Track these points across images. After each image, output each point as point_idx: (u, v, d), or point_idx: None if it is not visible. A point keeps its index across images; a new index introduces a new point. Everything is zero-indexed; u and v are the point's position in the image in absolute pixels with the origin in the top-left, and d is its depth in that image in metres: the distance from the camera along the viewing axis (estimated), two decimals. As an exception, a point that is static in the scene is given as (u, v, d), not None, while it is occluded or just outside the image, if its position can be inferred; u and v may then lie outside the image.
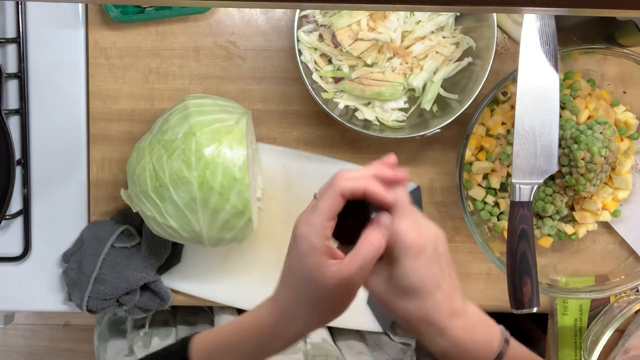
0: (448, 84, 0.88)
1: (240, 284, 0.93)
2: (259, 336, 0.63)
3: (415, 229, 0.58)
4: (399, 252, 0.58)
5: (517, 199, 0.79)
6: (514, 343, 0.63)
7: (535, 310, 0.78)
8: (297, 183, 0.93)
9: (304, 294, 0.60)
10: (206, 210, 0.78)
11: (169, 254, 0.92)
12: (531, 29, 0.78)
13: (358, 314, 0.93)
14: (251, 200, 0.81)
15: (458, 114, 0.83)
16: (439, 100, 0.88)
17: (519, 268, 0.77)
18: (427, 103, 0.87)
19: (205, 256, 0.93)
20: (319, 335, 0.94)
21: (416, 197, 0.93)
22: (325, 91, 0.87)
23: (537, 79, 0.79)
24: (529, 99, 0.79)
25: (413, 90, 0.88)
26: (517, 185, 0.80)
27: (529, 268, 0.77)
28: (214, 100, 0.83)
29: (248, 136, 0.82)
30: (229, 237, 0.82)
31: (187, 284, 0.93)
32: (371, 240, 0.58)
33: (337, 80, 0.88)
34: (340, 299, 0.60)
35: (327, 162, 0.92)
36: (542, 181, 0.80)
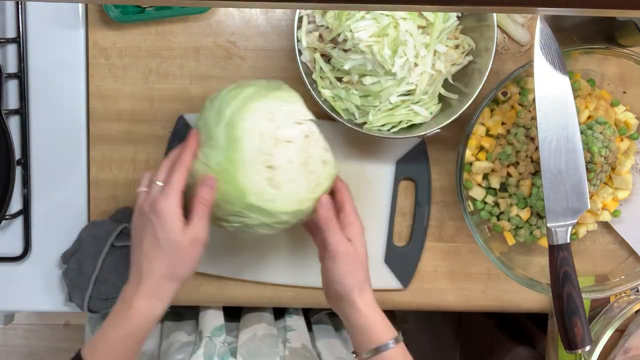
0: (448, 83, 0.88)
1: (253, 257, 0.94)
2: (133, 323, 0.74)
3: (342, 242, 0.77)
4: (329, 257, 0.77)
5: (555, 243, 0.79)
6: (402, 346, 0.78)
7: (588, 348, 0.79)
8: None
9: (168, 258, 0.74)
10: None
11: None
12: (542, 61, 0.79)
13: (378, 274, 0.93)
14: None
15: (458, 114, 0.83)
16: (439, 100, 0.88)
17: (567, 310, 0.78)
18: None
19: (215, 234, 0.93)
20: (299, 341, 0.94)
21: (422, 147, 0.94)
22: (326, 90, 0.87)
23: (558, 121, 0.79)
24: (551, 143, 0.79)
25: (414, 90, 0.88)
26: (553, 230, 0.79)
27: (577, 308, 0.78)
28: (250, 87, 0.78)
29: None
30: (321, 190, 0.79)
31: (200, 263, 0.93)
32: (202, 196, 0.74)
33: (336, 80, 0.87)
34: (193, 253, 0.75)
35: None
36: (576, 220, 0.80)
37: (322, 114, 0.85)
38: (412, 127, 0.87)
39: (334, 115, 0.84)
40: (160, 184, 0.75)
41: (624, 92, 0.91)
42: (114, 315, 0.75)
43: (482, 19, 0.84)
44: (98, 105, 0.94)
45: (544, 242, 0.90)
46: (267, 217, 0.76)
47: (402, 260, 0.95)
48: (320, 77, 0.86)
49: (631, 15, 0.50)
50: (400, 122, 0.86)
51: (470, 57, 0.87)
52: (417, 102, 0.86)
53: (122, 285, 0.87)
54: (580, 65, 0.89)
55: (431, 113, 0.86)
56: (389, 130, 0.86)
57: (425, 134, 0.84)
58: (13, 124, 0.92)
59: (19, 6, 0.89)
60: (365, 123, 0.86)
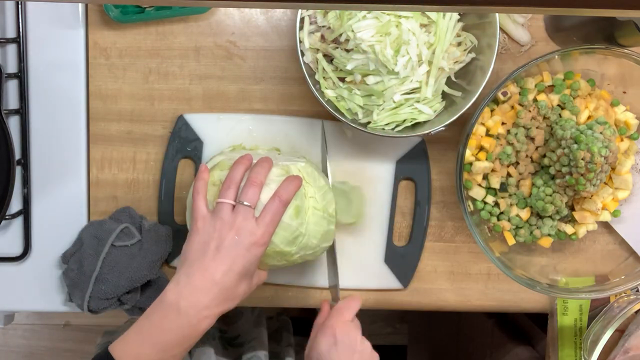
0: (451, 81, 0.88)
1: None
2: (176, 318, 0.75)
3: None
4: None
5: None
6: None
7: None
8: (300, 147, 0.94)
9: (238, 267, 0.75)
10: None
11: (181, 238, 0.92)
12: None
13: (377, 274, 0.94)
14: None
15: (462, 112, 0.82)
16: (442, 97, 0.88)
17: None
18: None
19: None
20: None
21: (422, 147, 0.94)
22: (329, 91, 0.87)
23: None
24: None
25: (419, 88, 0.88)
26: None
27: None
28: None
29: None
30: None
31: None
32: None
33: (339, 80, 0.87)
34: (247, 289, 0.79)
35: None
36: None
37: (326, 114, 0.85)
38: (416, 125, 0.87)
39: (338, 116, 0.84)
40: (247, 204, 0.76)
41: (624, 92, 0.91)
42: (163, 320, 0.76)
43: (484, 16, 0.84)
44: (98, 105, 0.94)
45: (543, 242, 0.90)
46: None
47: (402, 260, 0.95)
48: (323, 77, 0.86)
49: (631, 15, 0.50)
50: (405, 120, 0.86)
51: (472, 55, 0.87)
52: (421, 101, 0.86)
53: (123, 285, 0.87)
54: (580, 65, 0.89)
55: (435, 111, 0.86)
56: (393, 129, 0.86)
57: (430, 132, 0.83)
58: (13, 124, 0.92)
59: (19, 6, 0.89)
60: (369, 122, 0.86)
